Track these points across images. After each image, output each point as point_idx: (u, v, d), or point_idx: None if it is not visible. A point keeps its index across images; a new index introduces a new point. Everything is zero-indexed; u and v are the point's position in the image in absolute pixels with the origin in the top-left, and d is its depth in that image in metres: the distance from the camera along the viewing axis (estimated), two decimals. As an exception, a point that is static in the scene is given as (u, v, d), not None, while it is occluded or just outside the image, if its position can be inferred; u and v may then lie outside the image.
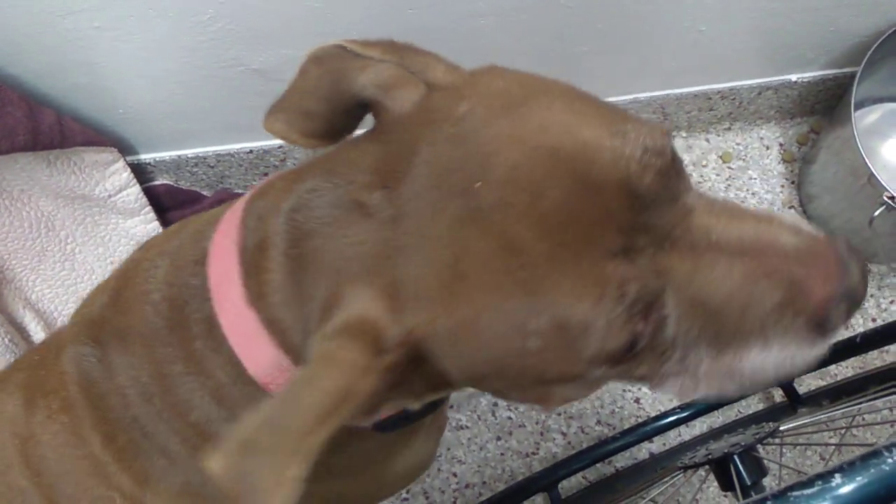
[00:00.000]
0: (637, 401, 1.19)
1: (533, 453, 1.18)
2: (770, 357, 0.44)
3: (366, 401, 0.39)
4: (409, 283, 0.41)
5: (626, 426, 1.16)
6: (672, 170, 0.42)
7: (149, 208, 1.12)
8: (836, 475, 0.36)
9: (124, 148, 1.09)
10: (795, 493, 0.37)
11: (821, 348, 0.44)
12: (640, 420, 1.18)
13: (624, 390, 1.20)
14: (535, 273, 0.39)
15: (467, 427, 1.19)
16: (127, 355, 0.55)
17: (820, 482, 0.37)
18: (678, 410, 1.07)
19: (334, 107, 0.47)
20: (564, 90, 0.44)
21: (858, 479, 0.36)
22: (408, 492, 1.17)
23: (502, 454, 1.18)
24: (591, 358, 0.40)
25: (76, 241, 1.09)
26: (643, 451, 1.19)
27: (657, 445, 1.19)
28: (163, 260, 0.56)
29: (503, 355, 0.41)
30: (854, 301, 0.43)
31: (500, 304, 0.39)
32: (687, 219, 0.42)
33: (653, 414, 1.18)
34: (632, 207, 0.40)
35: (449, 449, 1.19)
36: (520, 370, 0.42)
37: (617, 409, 1.19)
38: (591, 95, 0.44)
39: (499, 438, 1.19)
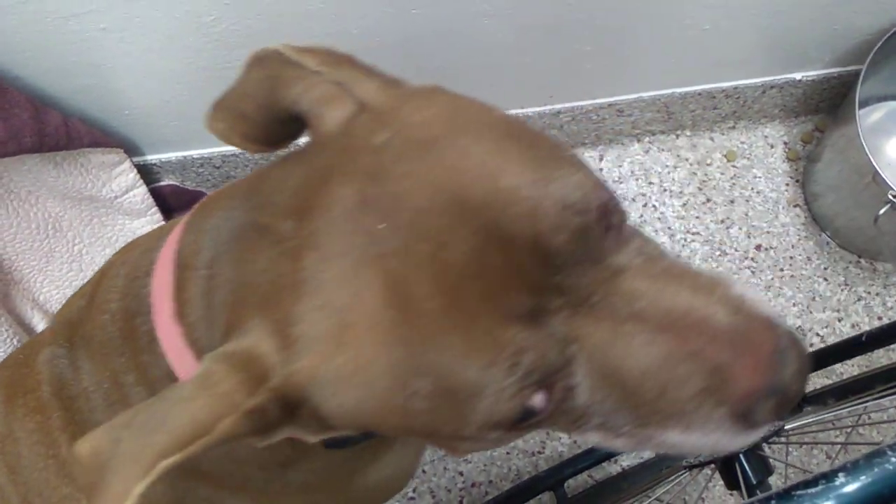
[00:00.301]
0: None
1: (539, 452, 1.18)
2: (691, 439, 0.40)
3: (229, 438, 0.37)
4: (300, 322, 0.38)
5: (631, 425, 1.16)
6: (595, 229, 0.38)
7: (155, 209, 1.12)
8: (840, 475, 0.36)
9: (130, 149, 1.10)
10: (799, 493, 0.37)
11: (746, 439, 0.41)
12: (645, 419, 1.18)
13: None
14: (423, 331, 0.36)
15: (472, 426, 1.19)
16: (92, 361, 0.55)
17: (824, 481, 0.37)
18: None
19: (271, 115, 0.45)
20: (495, 126, 0.40)
21: (862, 478, 0.36)
22: (414, 490, 1.17)
23: (508, 453, 1.18)
24: (480, 425, 0.38)
25: (83, 241, 1.10)
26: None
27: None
28: (123, 269, 0.55)
29: (386, 412, 0.39)
30: (784, 399, 0.39)
31: (383, 359, 0.37)
32: (612, 282, 0.39)
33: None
34: (544, 266, 0.37)
35: (454, 448, 1.19)
36: (407, 426, 0.40)
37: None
38: (528, 132, 0.41)
39: (504, 437, 1.19)
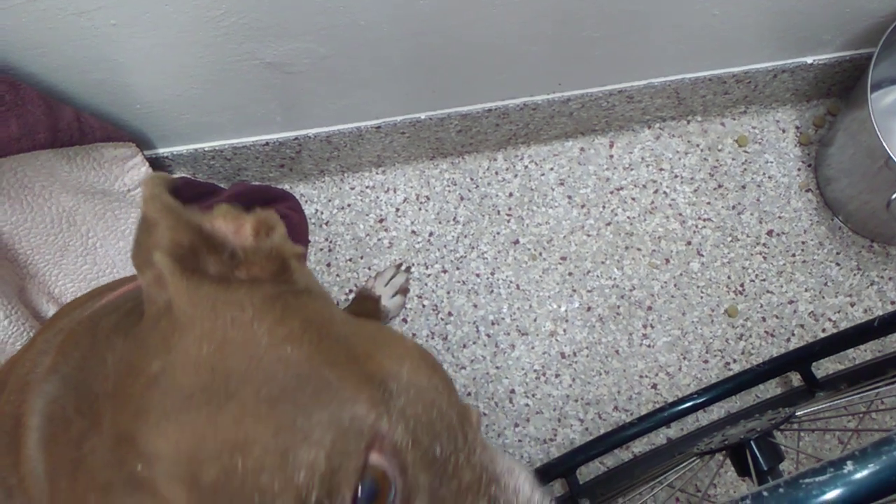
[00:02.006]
0: (654, 386, 1.20)
1: (551, 439, 1.19)
2: None
3: None
4: None
5: (644, 412, 1.17)
6: None
7: (167, 202, 1.13)
8: (848, 462, 0.37)
9: (142, 142, 1.11)
10: (807, 481, 0.37)
11: None
12: (657, 406, 1.18)
13: (641, 376, 1.20)
14: None
15: (485, 414, 1.20)
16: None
17: (832, 469, 0.37)
18: (695, 396, 1.07)
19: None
20: (261, 381, 0.36)
21: (871, 466, 0.36)
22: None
23: (520, 440, 1.19)
24: None
25: (97, 235, 1.11)
26: (661, 436, 1.19)
27: (674, 431, 1.20)
28: (21, 371, 0.56)
29: None
30: None
31: None
32: None
33: (670, 399, 1.19)
34: None
35: (467, 436, 1.20)
36: None
37: (634, 395, 1.20)
38: (300, 384, 0.37)
39: (517, 425, 1.19)
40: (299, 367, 0.37)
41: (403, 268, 1.26)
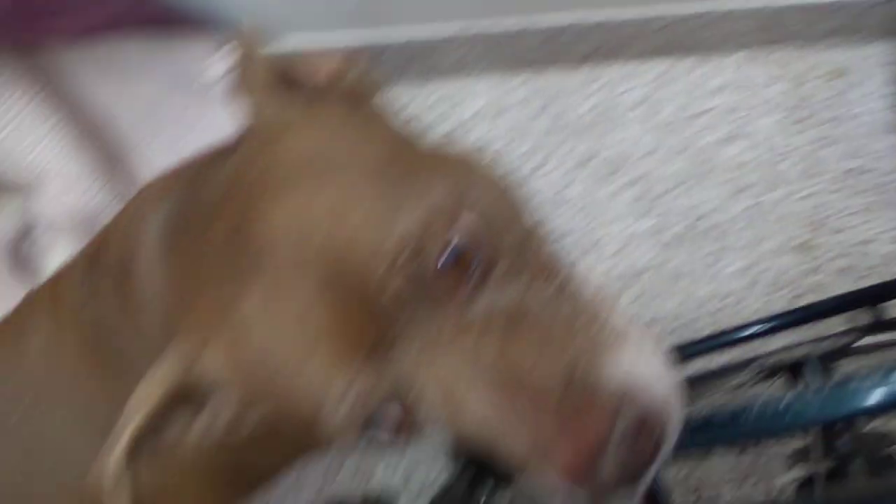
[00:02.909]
0: (717, 311, 1.19)
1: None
2: (538, 487, 0.41)
3: (160, 414, 0.45)
4: (189, 331, 0.45)
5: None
6: (436, 278, 0.39)
7: (248, 97, 1.15)
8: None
9: (225, 39, 1.13)
10: (853, 385, 0.38)
11: (584, 501, 0.40)
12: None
13: (705, 301, 1.19)
14: (272, 352, 0.41)
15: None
16: (100, 290, 0.60)
17: (879, 375, 0.38)
18: (761, 322, 1.06)
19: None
20: (359, 165, 0.42)
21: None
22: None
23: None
24: (327, 437, 0.42)
25: (184, 123, 1.15)
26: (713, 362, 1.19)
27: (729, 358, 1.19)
28: (131, 210, 0.61)
29: (258, 410, 0.45)
30: (601, 489, 0.38)
31: (247, 367, 0.43)
32: (463, 331, 0.39)
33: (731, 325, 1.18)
34: (385, 310, 0.39)
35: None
36: (275, 425, 0.46)
37: (696, 319, 1.19)
38: (397, 166, 0.42)
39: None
40: (388, 158, 0.42)
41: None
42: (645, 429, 0.38)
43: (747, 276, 1.19)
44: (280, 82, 0.48)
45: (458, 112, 1.29)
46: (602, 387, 0.38)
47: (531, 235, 0.44)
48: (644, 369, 0.39)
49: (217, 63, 1.13)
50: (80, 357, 0.60)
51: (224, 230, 0.43)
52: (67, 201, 1.04)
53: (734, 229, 1.20)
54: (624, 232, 1.22)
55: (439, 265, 0.39)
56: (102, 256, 0.61)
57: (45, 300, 0.65)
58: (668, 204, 1.22)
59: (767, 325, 1.06)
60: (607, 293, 0.44)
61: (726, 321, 1.19)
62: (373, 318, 0.39)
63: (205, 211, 0.47)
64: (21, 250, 1.40)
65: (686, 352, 1.07)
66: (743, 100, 1.25)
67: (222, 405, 0.46)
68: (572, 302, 0.41)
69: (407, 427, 0.42)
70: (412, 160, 0.43)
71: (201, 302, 0.44)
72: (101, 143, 1.09)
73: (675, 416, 0.39)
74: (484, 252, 0.40)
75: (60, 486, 0.61)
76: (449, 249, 0.39)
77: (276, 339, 0.40)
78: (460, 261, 0.39)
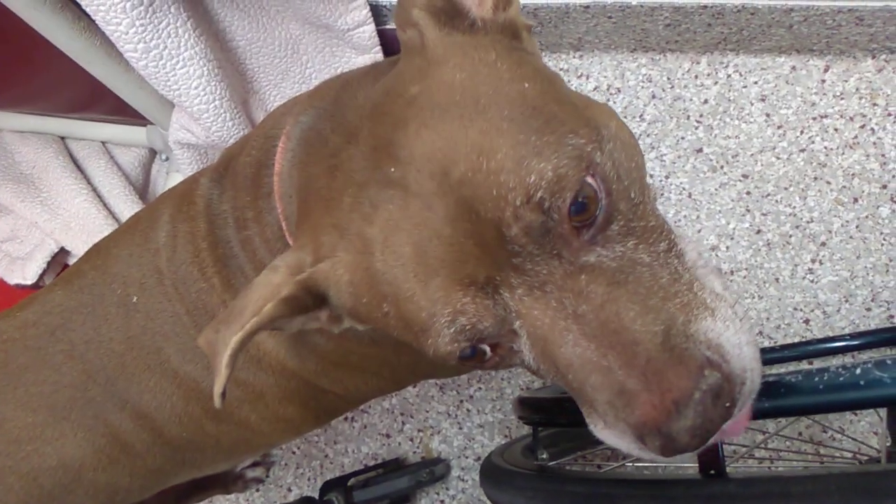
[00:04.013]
0: (806, 321, 1.18)
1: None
2: (608, 435, 0.44)
3: (274, 317, 0.50)
4: (324, 234, 0.49)
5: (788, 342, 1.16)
6: (558, 227, 0.41)
7: (379, 48, 1.20)
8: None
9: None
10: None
11: (649, 454, 0.42)
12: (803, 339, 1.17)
13: (795, 309, 1.18)
14: (393, 271, 0.45)
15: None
16: (231, 191, 0.68)
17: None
18: (848, 337, 1.05)
19: None
20: (508, 103, 0.44)
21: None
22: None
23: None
24: (432, 354, 0.46)
25: (315, 67, 1.20)
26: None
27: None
28: (269, 123, 0.67)
29: (370, 318, 0.49)
30: (670, 446, 0.40)
31: (365, 282, 0.47)
32: (569, 278, 0.42)
33: (820, 336, 1.17)
34: (504, 248, 0.42)
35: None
36: (388, 333, 0.50)
37: (783, 325, 1.19)
38: (542, 112, 0.44)
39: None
40: (534, 100, 0.45)
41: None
42: (723, 393, 0.40)
43: (842, 290, 1.17)
44: (443, 9, 0.50)
45: (579, 84, 1.30)
46: (690, 348, 0.40)
47: (646, 198, 0.47)
48: (731, 337, 0.42)
49: (356, 10, 1.17)
50: (199, 246, 0.70)
51: (366, 148, 0.47)
52: (198, 129, 1.12)
53: (835, 240, 1.18)
54: (725, 228, 1.22)
55: (568, 210, 0.42)
56: (238, 158, 0.69)
57: (175, 197, 0.74)
58: (774, 205, 1.20)
59: (856, 341, 1.05)
60: (707, 261, 0.47)
61: (816, 332, 1.18)
62: (492, 253, 0.42)
63: (346, 129, 0.51)
64: (151, 170, 1.53)
65: (769, 356, 1.08)
66: (872, 107, 1.20)
67: (338, 307, 0.52)
68: (674, 265, 0.45)
69: (502, 357, 0.47)
70: (557, 104, 0.46)
71: (332, 211, 0.49)
72: (237, 76, 1.16)
73: (753, 385, 0.42)
74: (606, 206, 0.43)
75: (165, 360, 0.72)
76: (579, 197, 0.42)
77: (398, 260, 0.44)
78: (584, 210, 0.43)
